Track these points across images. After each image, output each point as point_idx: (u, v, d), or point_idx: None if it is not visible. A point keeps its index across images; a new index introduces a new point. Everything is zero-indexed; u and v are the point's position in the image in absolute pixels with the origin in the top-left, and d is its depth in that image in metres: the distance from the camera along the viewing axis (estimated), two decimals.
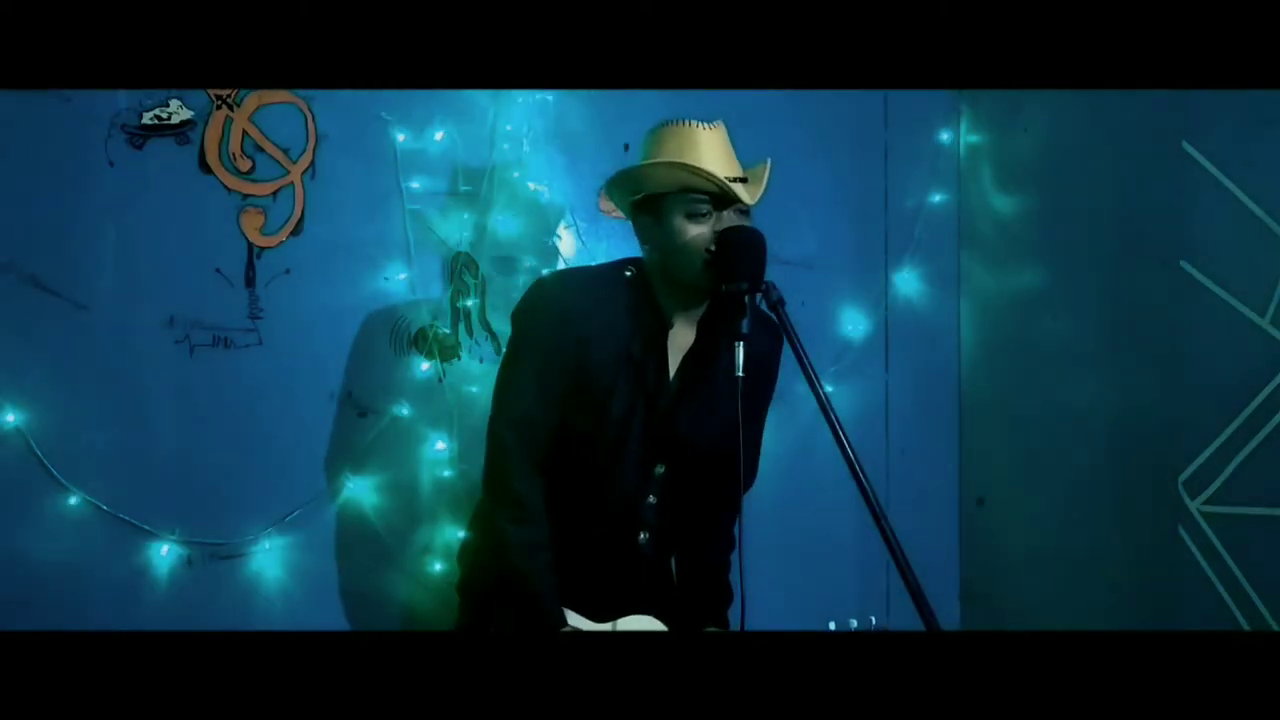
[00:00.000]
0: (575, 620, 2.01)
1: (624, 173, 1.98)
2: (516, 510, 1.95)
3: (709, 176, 1.88)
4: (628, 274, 2.00)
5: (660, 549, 2.09)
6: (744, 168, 1.97)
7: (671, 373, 2.00)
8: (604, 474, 1.98)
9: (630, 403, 1.95)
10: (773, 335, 2.03)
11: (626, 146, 2.59)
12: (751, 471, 2.10)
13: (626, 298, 1.97)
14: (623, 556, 2.04)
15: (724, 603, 2.11)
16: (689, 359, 2.01)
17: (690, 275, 1.92)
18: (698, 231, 1.90)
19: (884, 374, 3.02)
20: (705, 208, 1.90)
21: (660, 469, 2.01)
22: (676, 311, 1.99)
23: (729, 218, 1.91)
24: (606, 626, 2.04)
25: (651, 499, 2.02)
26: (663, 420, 1.99)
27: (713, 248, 1.89)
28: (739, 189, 1.90)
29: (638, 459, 1.98)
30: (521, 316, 2.01)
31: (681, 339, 2.01)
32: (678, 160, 1.89)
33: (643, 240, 2.00)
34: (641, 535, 2.03)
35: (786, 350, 1.81)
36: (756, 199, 1.93)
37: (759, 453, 2.14)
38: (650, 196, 1.95)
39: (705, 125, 1.94)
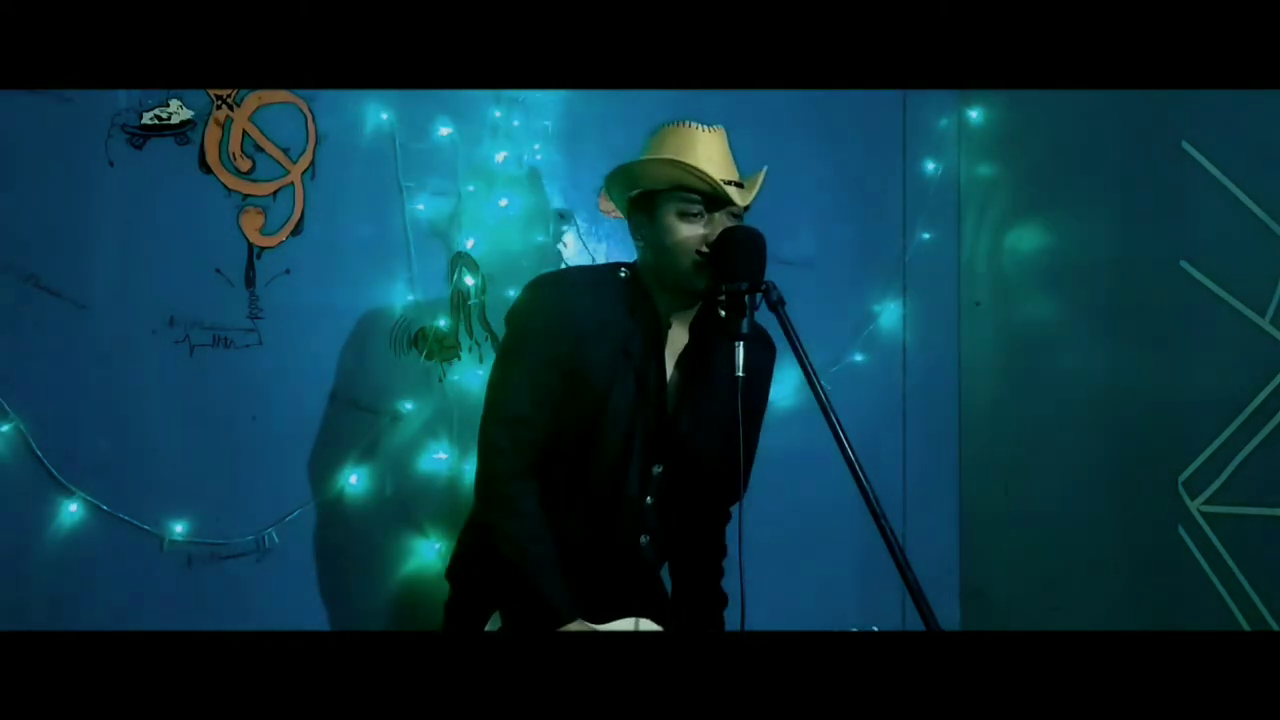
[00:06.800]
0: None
1: (622, 168, 1.97)
2: (508, 507, 1.92)
3: (702, 175, 1.87)
4: (622, 274, 2.00)
5: (660, 552, 2.09)
6: (742, 174, 1.97)
7: (669, 372, 2.00)
8: (605, 474, 1.96)
9: (629, 401, 1.94)
10: (766, 350, 2.03)
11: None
12: (745, 481, 2.10)
13: (623, 297, 1.97)
14: (624, 559, 2.03)
15: (720, 607, 2.12)
16: (683, 359, 2.01)
17: (679, 275, 1.92)
18: (689, 232, 1.90)
19: (884, 374, 3.02)
20: (697, 207, 1.90)
21: (658, 469, 2.01)
22: (671, 311, 1.99)
23: (721, 220, 1.91)
24: (606, 629, 2.04)
25: (650, 499, 2.01)
26: (661, 419, 1.98)
27: (704, 249, 1.89)
28: (732, 191, 1.90)
29: (637, 458, 1.97)
30: (519, 316, 2.00)
31: (677, 339, 2.01)
32: (674, 158, 1.89)
33: (636, 238, 2.01)
34: (643, 538, 2.03)
35: (784, 356, 1.80)
36: (748, 202, 1.93)
37: (752, 463, 2.13)
38: (645, 194, 1.96)
39: (705, 127, 1.94)
